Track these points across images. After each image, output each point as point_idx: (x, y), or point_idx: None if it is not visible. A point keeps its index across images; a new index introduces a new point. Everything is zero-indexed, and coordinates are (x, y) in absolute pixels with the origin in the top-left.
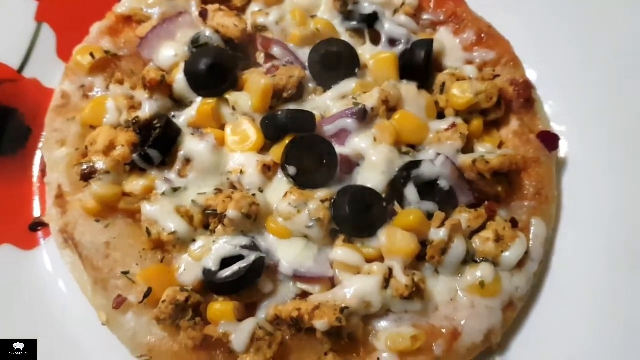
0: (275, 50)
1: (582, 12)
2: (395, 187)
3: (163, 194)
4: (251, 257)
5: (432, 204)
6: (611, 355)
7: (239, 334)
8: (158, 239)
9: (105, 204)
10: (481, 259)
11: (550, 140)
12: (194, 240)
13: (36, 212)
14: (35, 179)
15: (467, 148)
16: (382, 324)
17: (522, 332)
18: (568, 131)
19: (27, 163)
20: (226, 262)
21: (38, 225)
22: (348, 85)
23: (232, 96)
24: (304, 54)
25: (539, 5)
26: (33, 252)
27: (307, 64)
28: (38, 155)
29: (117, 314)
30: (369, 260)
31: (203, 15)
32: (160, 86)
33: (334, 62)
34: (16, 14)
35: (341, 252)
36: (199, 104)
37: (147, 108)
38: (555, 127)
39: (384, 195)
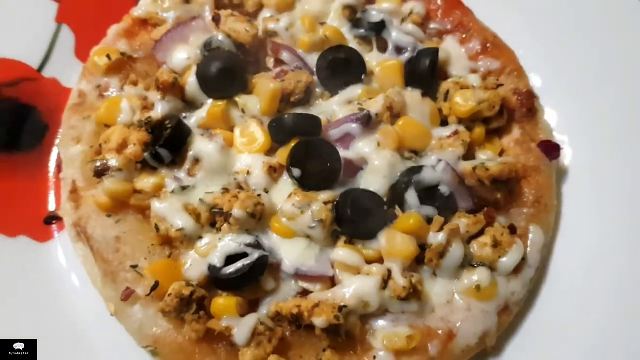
0: (285, 56)
1: (588, 23)
2: (397, 191)
3: (172, 191)
4: (255, 254)
5: (432, 209)
6: None
7: (241, 328)
8: (166, 234)
9: (117, 200)
10: (478, 263)
11: (550, 149)
12: (200, 237)
13: (51, 206)
14: (51, 174)
15: (469, 155)
16: (379, 323)
17: (517, 336)
18: (569, 140)
19: (44, 159)
20: (231, 259)
21: (52, 218)
22: (354, 90)
23: (241, 99)
24: (312, 59)
25: (545, 16)
26: (47, 244)
27: (315, 69)
28: (54, 151)
29: (125, 306)
30: (369, 261)
31: (216, 20)
32: (173, 88)
33: (341, 68)
34: (37, 15)
35: (342, 252)
36: (209, 106)
37: (159, 109)
38: (557, 137)
39: (385, 199)
